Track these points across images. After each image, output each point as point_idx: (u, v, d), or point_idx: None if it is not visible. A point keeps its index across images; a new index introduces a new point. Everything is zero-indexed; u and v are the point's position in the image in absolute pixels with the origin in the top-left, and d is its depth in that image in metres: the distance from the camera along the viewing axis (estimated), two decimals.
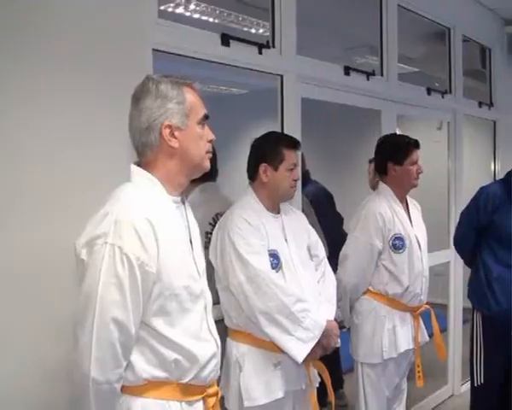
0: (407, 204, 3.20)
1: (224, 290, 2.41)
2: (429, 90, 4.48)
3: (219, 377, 1.95)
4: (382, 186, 3.15)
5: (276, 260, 2.39)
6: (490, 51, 5.48)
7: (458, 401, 4.65)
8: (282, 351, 2.34)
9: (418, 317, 3.13)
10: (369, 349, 3.00)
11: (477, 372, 3.52)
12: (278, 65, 3.14)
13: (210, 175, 2.95)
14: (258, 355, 2.38)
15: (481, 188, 3.57)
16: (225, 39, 2.86)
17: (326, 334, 2.40)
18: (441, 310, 4.91)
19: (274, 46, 3.15)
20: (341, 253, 2.95)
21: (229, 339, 2.46)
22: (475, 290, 3.57)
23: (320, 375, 2.57)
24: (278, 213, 2.54)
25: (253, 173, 2.53)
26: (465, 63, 4.97)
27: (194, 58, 2.73)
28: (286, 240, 2.49)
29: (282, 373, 2.39)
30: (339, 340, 2.56)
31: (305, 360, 2.34)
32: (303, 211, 3.02)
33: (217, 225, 2.50)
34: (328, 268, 2.72)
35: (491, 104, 5.42)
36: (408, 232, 3.06)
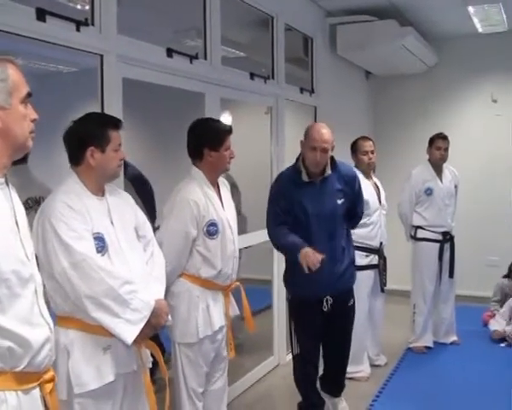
0: (218, 187, 3.27)
1: (48, 278, 2.33)
2: (252, 75, 4.62)
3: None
4: (195, 170, 3.17)
5: (101, 244, 2.36)
6: (312, 41, 5.77)
7: (284, 369, 4.92)
8: (111, 334, 2.32)
9: (229, 294, 3.25)
10: (186, 329, 3.07)
11: (293, 344, 3.78)
12: (97, 44, 3.09)
13: (21, 157, 2.84)
14: (87, 340, 2.35)
15: (279, 173, 3.81)
16: (41, 14, 2.74)
17: (155, 313, 2.41)
18: (269, 286, 5.18)
19: (93, 24, 3.08)
20: (156, 240, 2.94)
21: (56, 326, 2.37)
22: (285, 267, 3.84)
23: (152, 354, 2.58)
24: (103, 195, 2.50)
25: (77, 158, 2.45)
26: (288, 51, 5.19)
27: (7, 33, 2.58)
28: (112, 222, 2.46)
29: (113, 356, 2.38)
30: (169, 318, 2.59)
31: (135, 341, 2.34)
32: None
33: (38, 211, 2.40)
34: (157, 248, 2.73)
35: (312, 91, 5.73)
36: (221, 216, 3.14)
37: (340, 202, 3.60)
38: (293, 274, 3.68)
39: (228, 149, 3.17)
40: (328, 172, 3.59)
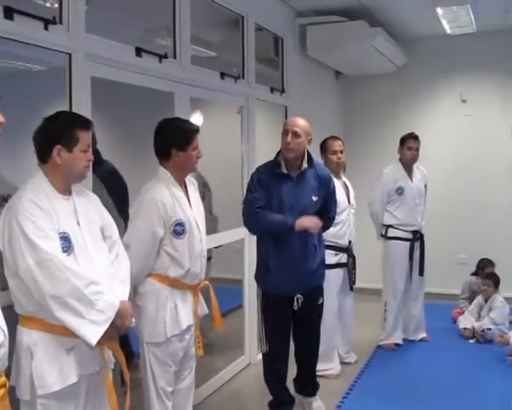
0: (185, 186, 3.26)
1: (12, 276, 2.32)
2: (223, 75, 4.62)
3: (8, 367, 1.89)
4: (162, 171, 3.15)
5: (67, 243, 2.35)
6: (282, 41, 5.79)
7: (255, 368, 4.94)
8: (75, 335, 2.31)
9: (197, 293, 3.25)
10: (153, 329, 3.06)
11: (262, 342, 3.81)
12: (66, 42, 3.07)
13: None
14: (50, 341, 2.33)
15: (259, 165, 3.86)
16: (9, 12, 2.72)
17: (120, 314, 2.41)
18: (240, 285, 5.19)
19: (61, 22, 3.06)
20: (124, 242, 2.88)
21: (19, 326, 2.37)
22: (256, 266, 3.86)
23: (115, 356, 2.57)
24: (70, 194, 2.49)
25: (44, 156, 2.44)
26: (259, 51, 5.20)
27: None
28: (78, 222, 2.46)
29: (76, 358, 2.37)
30: (133, 320, 2.60)
31: (99, 342, 2.33)
32: (95, 192, 2.98)
33: (4, 208, 2.38)
34: (122, 250, 2.73)
35: (282, 90, 5.74)
36: (188, 216, 3.12)
37: (314, 198, 3.70)
38: (265, 271, 3.72)
39: (196, 148, 3.16)
40: (305, 165, 3.68)
